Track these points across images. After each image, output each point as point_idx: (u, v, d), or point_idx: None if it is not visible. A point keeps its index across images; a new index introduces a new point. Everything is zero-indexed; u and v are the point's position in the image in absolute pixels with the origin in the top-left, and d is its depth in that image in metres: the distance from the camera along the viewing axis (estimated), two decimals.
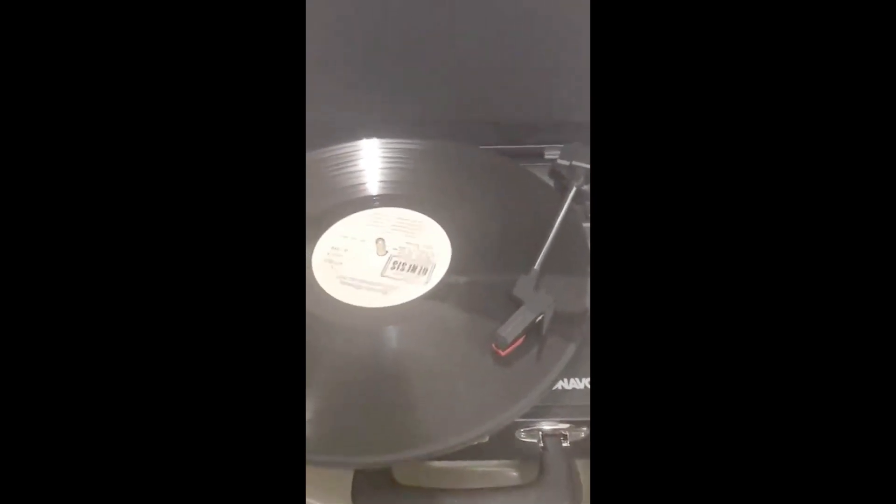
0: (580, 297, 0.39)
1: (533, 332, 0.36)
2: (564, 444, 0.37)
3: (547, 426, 0.37)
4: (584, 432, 0.38)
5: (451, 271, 0.43)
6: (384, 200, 0.49)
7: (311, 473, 0.29)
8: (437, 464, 0.41)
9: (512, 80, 0.56)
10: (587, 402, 0.37)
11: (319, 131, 0.46)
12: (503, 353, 0.36)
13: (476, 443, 0.33)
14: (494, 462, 0.42)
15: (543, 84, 0.56)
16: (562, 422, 0.37)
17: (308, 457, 0.31)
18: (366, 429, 0.34)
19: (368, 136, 0.54)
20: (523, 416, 0.35)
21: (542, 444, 0.38)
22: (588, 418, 0.37)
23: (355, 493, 0.36)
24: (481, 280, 0.42)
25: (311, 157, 0.52)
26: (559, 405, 0.37)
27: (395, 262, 0.44)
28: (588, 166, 0.49)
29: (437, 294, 0.41)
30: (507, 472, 0.42)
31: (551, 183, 0.51)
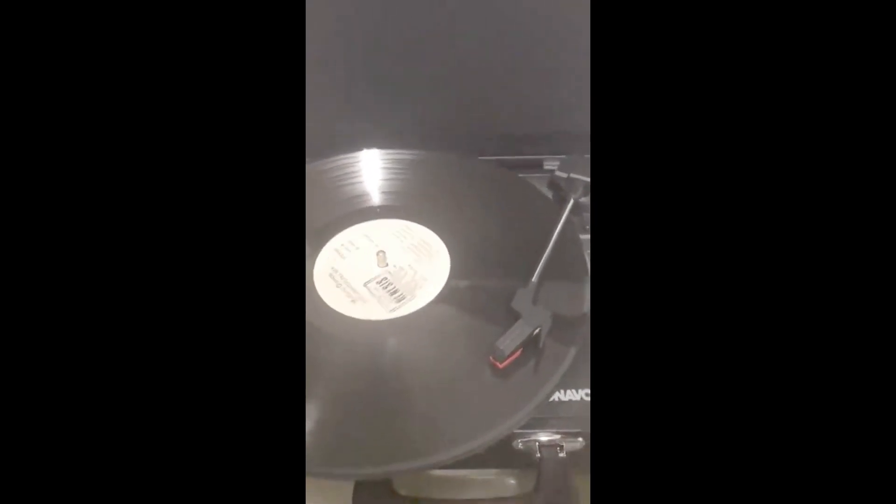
0: (576, 306, 0.40)
1: (530, 345, 0.37)
2: (561, 455, 0.38)
3: (544, 437, 0.38)
4: (581, 442, 0.38)
5: (450, 279, 0.43)
6: (409, 213, 0.49)
7: (311, 485, 0.29)
8: (436, 473, 0.42)
9: (512, 90, 0.57)
10: (584, 412, 0.37)
11: (318, 141, 0.47)
12: (501, 366, 0.36)
13: (474, 453, 0.34)
14: (493, 471, 0.43)
15: (544, 94, 0.57)
16: (556, 433, 0.38)
17: (309, 468, 0.32)
18: (365, 440, 0.34)
19: (369, 146, 0.54)
20: (521, 428, 0.35)
21: (538, 455, 0.38)
22: (583, 429, 0.37)
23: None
24: (481, 288, 0.43)
25: (312, 167, 0.53)
26: (555, 416, 0.38)
27: (384, 280, 0.44)
28: (587, 179, 0.49)
29: (444, 298, 0.42)
30: (505, 480, 0.43)
31: (549, 195, 0.51)
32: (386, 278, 0.44)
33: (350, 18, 0.53)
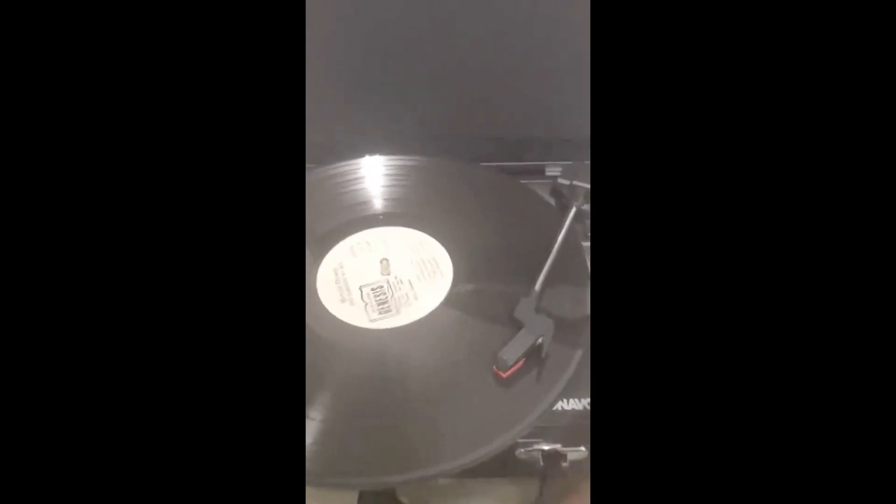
0: (579, 312, 0.40)
1: (533, 354, 0.37)
2: (564, 464, 0.38)
3: (546, 446, 0.38)
4: (583, 452, 0.38)
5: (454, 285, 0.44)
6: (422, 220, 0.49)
7: (316, 495, 0.29)
8: (441, 481, 0.42)
9: (514, 96, 0.57)
10: (587, 422, 0.38)
11: (318, 149, 0.47)
12: (504, 376, 0.36)
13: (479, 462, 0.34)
14: (496, 480, 0.43)
15: (546, 100, 0.57)
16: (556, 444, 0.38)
17: (313, 479, 0.32)
18: (369, 450, 0.34)
19: (371, 152, 0.55)
20: (524, 437, 0.36)
21: (541, 464, 0.38)
22: (586, 438, 0.38)
23: None
24: (484, 295, 0.43)
25: (315, 174, 0.53)
26: (558, 425, 0.38)
27: (379, 288, 0.44)
28: (589, 186, 0.49)
29: (450, 301, 0.42)
30: (508, 489, 0.43)
31: (552, 202, 0.51)
32: (382, 287, 0.44)
33: (350, 19, 0.53)
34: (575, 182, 0.50)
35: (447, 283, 0.44)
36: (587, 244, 0.47)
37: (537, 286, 0.41)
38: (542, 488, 0.37)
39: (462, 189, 0.52)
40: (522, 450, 0.38)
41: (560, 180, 0.51)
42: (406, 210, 0.50)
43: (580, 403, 0.38)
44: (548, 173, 0.55)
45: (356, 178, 0.53)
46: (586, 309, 0.40)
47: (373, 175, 0.53)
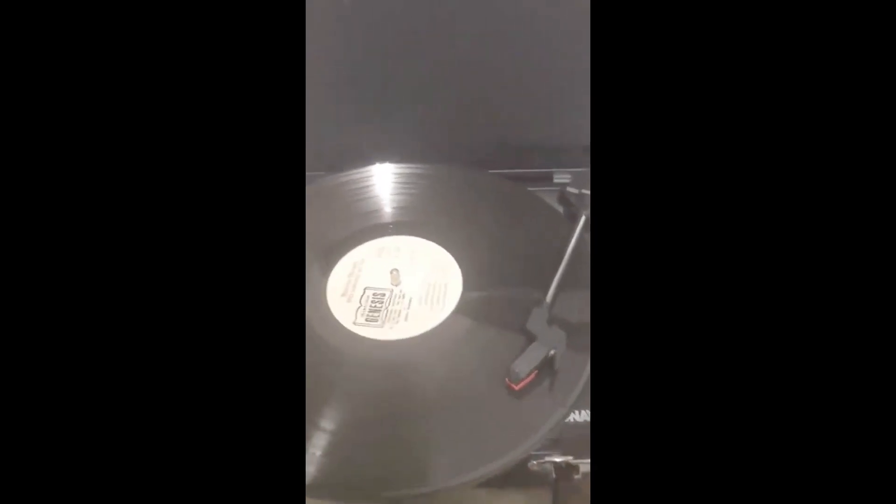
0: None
1: (545, 366, 0.37)
2: (576, 476, 0.38)
3: (558, 458, 0.38)
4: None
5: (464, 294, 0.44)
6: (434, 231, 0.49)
7: None
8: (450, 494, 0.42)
9: (520, 102, 0.57)
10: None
11: (317, 156, 0.47)
12: (517, 388, 0.36)
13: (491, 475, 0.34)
14: (507, 490, 0.43)
15: (550, 107, 0.57)
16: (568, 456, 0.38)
17: (316, 493, 0.32)
18: (376, 465, 0.34)
19: (381, 160, 0.55)
20: (536, 449, 0.36)
21: (553, 476, 0.38)
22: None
23: None
24: (495, 303, 0.43)
25: (323, 183, 0.53)
26: (570, 437, 0.38)
27: (381, 296, 0.44)
28: None
29: (460, 309, 0.42)
30: (520, 501, 0.43)
31: (560, 209, 0.51)
32: (384, 295, 0.44)
33: (352, 24, 0.53)
34: (583, 190, 0.50)
35: (442, 315, 0.43)
36: None
37: (548, 297, 0.41)
38: (555, 501, 0.37)
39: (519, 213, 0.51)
40: (535, 462, 0.38)
41: (570, 189, 0.51)
42: (412, 218, 0.50)
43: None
44: (556, 180, 0.56)
45: (368, 186, 0.53)
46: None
47: (446, 187, 0.54)
